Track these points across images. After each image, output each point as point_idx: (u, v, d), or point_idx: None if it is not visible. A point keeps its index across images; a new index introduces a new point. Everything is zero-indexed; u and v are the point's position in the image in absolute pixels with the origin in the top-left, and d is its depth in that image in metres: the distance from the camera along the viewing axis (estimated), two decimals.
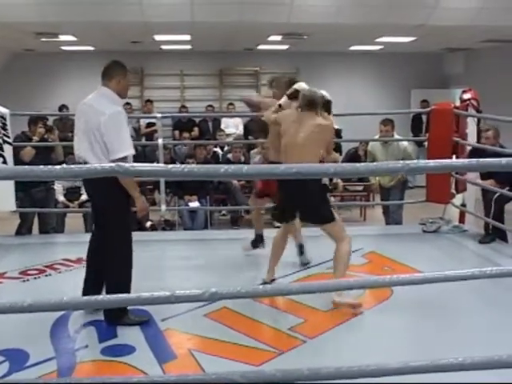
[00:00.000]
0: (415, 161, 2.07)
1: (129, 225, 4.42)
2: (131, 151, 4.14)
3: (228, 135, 11.85)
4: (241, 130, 12.58)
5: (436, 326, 4.22)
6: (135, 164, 2.00)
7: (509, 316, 4.40)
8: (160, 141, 6.87)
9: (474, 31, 9.99)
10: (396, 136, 7.66)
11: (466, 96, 7.24)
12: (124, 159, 4.01)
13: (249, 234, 6.26)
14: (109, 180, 3.67)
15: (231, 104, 13.23)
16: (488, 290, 4.65)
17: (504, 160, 2.10)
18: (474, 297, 4.68)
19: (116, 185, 4.05)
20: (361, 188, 10.94)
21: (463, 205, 7.35)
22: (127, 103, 12.29)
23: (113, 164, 2.04)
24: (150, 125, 11.45)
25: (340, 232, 4.76)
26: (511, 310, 4.52)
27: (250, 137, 11.62)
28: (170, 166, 2.04)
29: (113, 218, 4.23)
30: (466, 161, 2.32)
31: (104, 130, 4.04)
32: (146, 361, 3.69)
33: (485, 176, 6.69)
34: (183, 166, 2.01)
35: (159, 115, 7.33)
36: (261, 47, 12.87)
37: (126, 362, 3.67)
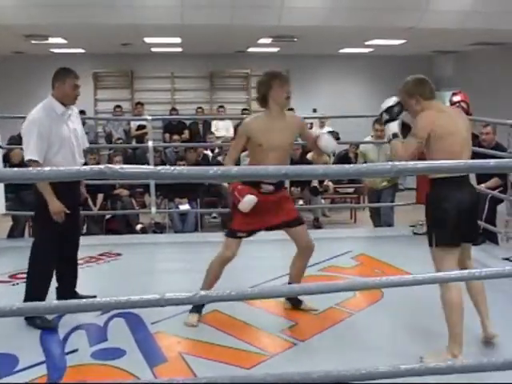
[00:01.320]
0: (404, 162, 2.07)
1: (49, 236, 4.35)
2: (33, 157, 4.17)
3: (218, 138, 11.84)
4: (231, 133, 12.57)
5: (427, 327, 4.22)
6: (124, 166, 1.99)
7: (497, 317, 4.42)
8: (150, 143, 6.86)
9: (463, 34, 10.04)
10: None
11: (456, 98, 7.27)
12: (31, 162, 4.16)
13: None
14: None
15: (221, 106, 13.24)
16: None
17: (492, 161, 2.10)
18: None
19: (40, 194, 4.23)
20: (351, 190, 10.95)
21: None
22: (117, 106, 12.31)
23: (102, 166, 2.03)
24: (140, 127, 11.43)
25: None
26: (499, 310, 4.53)
27: None
28: (159, 167, 2.03)
29: (36, 227, 4.36)
30: (454, 162, 2.32)
31: (22, 132, 4.37)
32: (137, 364, 3.67)
33: (482, 177, 6.73)
34: (172, 167, 2.00)
35: (149, 118, 7.32)
36: (251, 50, 12.88)
37: (116, 365, 3.66)
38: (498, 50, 11.80)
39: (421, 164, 2.06)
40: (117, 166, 2.01)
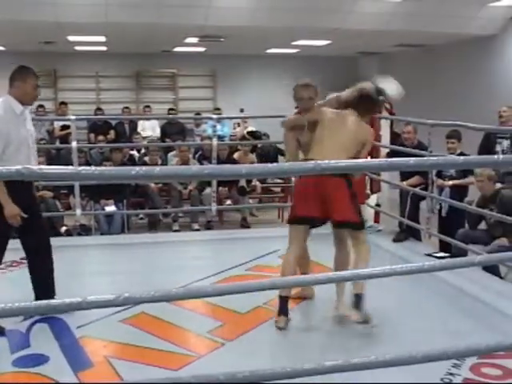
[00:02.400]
0: (326, 161, 2.10)
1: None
2: None
3: (144, 138, 11.71)
4: (158, 133, 12.46)
5: (351, 324, 4.29)
6: (42, 167, 1.93)
7: (416, 311, 4.56)
8: (74, 144, 6.72)
9: (386, 35, 10.28)
10: None
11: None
12: None
13: (165, 238, 6.20)
14: None
15: (148, 106, 13.10)
16: (399, 286, 4.77)
17: (412, 160, 2.16)
18: (384, 294, 4.79)
19: None
20: (279, 189, 11.04)
21: (378, 205, 7.54)
22: (40, 105, 11.96)
23: (19, 167, 1.97)
24: (64, 127, 11.15)
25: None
26: (419, 305, 4.67)
27: (167, 139, 11.54)
28: (80, 168, 1.98)
29: None
30: (375, 161, 2.37)
31: None
32: (60, 370, 3.58)
33: (405, 175, 6.93)
34: (93, 168, 1.96)
35: (73, 118, 7.16)
36: (178, 49, 12.80)
37: (38, 372, 3.55)
38: (420, 51, 12.15)
39: (343, 163, 2.10)
40: (35, 167, 1.95)
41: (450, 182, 6.91)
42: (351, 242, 4.48)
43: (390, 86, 4.62)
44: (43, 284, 4.43)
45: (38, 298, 4.24)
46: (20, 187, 3.93)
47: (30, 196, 4.36)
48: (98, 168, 1.97)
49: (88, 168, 1.97)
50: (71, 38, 10.81)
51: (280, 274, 4.34)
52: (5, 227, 4.14)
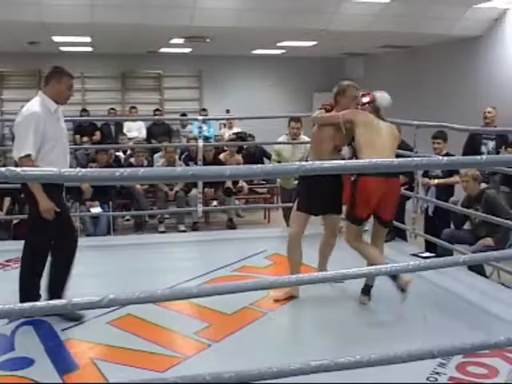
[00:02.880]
0: (310, 162, 2.10)
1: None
2: (30, 151, 4.12)
3: (130, 139, 11.67)
4: (144, 134, 12.43)
5: (338, 323, 4.31)
6: (25, 168, 1.92)
7: (402, 311, 4.57)
8: None
9: (372, 36, 10.32)
10: (302, 136, 7.73)
11: (365, 99, 7.39)
12: (26, 158, 4.11)
13: (151, 240, 6.18)
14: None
15: (134, 107, 13.06)
16: (385, 286, 4.79)
17: (396, 160, 2.17)
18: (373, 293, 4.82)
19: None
20: (265, 190, 11.05)
21: None
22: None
23: (3, 169, 1.95)
24: None
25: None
26: (405, 305, 4.68)
27: (153, 140, 11.51)
28: (63, 170, 1.97)
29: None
30: (359, 161, 2.37)
31: (15, 129, 4.31)
32: (46, 373, 3.55)
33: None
34: (77, 170, 1.94)
35: None
36: (163, 50, 12.77)
37: (23, 375, 3.52)
38: (405, 52, 12.21)
39: (327, 164, 2.10)
40: (18, 169, 1.94)
41: (436, 181, 6.95)
42: (375, 237, 4.86)
43: (383, 95, 4.94)
44: (60, 284, 4.46)
45: (51, 298, 4.26)
46: (52, 186, 4.09)
47: (60, 196, 4.47)
48: (82, 170, 1.96)
49: (71, 170, 1.96)
50: (56, 39, 10.75)
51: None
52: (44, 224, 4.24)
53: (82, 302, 2.17)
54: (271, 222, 10.23)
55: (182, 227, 9.11)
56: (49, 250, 4.42)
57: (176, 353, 3.87)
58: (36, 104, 4.26)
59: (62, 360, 3.76)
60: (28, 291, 4.28)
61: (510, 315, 4.41)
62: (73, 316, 4.24)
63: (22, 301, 4.07)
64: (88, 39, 10.94)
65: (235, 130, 12.49)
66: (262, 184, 10.94)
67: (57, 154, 4.27)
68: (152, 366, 3.66)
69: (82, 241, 7.61)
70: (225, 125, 13.11)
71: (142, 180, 2.59)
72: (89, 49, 12.47)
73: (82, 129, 11.71)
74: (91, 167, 8.57)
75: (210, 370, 2.43)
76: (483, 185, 6.46)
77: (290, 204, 7.72)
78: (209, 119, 12.15)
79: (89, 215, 8.48)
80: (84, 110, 12.73)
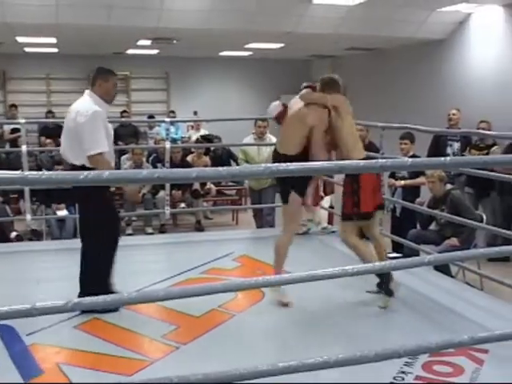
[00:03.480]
0: (277, 164, 2.11)
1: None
2: (104, 149, 4.33)
3: None
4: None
5: (308, 324, 4.32)
6: None
7: (368, 311, 4.62)
8: (24, 147, 6.59)
9: (338, 39, 10.40)
10: (268, 135, 7.76)
11: None
12: (99, 156, 4.30)
13: (121, 242, 6.10)
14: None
15: None
16: (351, 286, 4.83)
17: (361, 162, 2.18)
18: (337, 294, 4.84)
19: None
20: (233, 192, 11.05)
21: (331, 207, 7.61)
22: None
23: None
24: (14, 131, 10.93)
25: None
26: (372, 305, 4.73)
27: (119, 142, 11.41)
28: (27, 172, 1.95)
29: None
30: (325, 163, 2.39)
31: (80, 129, 4.37)
32: (10, 378, 3.50)
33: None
34: (40, 172, 1.92)
35: (23, 121, 7.02)
36: (130, 51, 12.69)
37: None
38: (371, 55, 12.32)
39: (292, 166, 2.11)
40: None
41: (402, 182, 7.02)
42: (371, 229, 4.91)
43: None
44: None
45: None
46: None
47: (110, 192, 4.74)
48: (46, 172, 1.94)
49: (35, 172, 1.94)
50: (20, 39, 10.60)
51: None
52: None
53: (47, 306, 2.15)
54: (239, 223, 10.23)
55: (150, 230, 9.06)
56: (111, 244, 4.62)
57: (144, 356, 3.84)
58: (92, 104, 4.43)
59: (26, 365, 3.71)
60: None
61: (474, 314, 4.48)
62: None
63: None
64: (53, 40, 10.82)
65: (202, 132, 12.47)
66: (230, 186, 10.94)
67: (112, 150, 4.54)
68: (119, 369, 3.63)
69: (49, 244, 7.62)
70: (192, 127, 13.08)
71: (107, 182, 2.57)
72: (54, 50, 12.33)
73: (47, 131, 11.54)
74: (56, 170, 8.46)
75: (178, 373, 2.42)
76: (448, 186, 6.54)
77: (260, 205, 7.80)
78: (176, 121, 12.11)
79: (54, 218, 8.39)
80: (49, 112, 12.57)
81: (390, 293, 4.58)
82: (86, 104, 4.46)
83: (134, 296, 2.28)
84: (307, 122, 4.62)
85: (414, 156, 6.78)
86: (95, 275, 4.51)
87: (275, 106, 5.00)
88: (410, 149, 7.05)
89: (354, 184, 4.55)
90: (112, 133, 4.69)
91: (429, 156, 7.77)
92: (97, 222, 4.48)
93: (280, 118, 4.92)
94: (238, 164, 8.40)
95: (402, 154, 7.00)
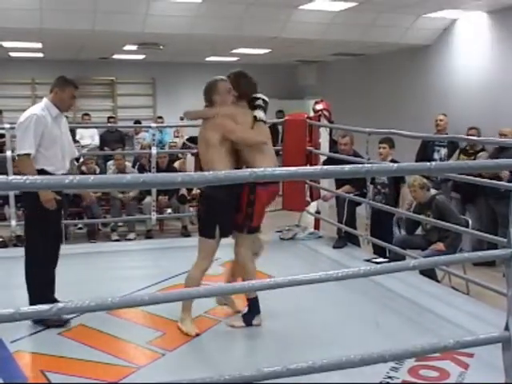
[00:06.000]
0: (262, 169, 2.10)
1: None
2: (30, 151, 4.38)
3: (83, 146, 11.51)
4: (97, 141, 12.28)
5: (290, 331, 4.32)
6: None
7: (355, 316, 4.62)
8: (8, 153, 6.55)
9: (324, 45, 10.42)
10: None
11: (319, 107, 7.52)
12: (25, 156, 4.39)
13: (105, 248, 6.11)
14: None
15: (86, 114, 12.89)
16: (337, 292, 4.83)
17: (347, 167, 2.19)
18: (323, 300, 4.84)
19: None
20: None
21: (318, 212, 7.62)
22: None
23: None
24: None
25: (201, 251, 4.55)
26: (358, 310, 4.74)
27: (106, 148, 11.38)
28: (11, 177, 1.93)
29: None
30: (311, 168, 2.39)
31: (16, 129, 4.63)
32: None
33: (340, 183, 7.01)
34: (25, 177, 1.90)
35: (8, 126, 6.99)
36: (116, 56, 12.65)
37: None
38: (357, 60, 12.37)
39: (278, 171, 2.11)
40: None
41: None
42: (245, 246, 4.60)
43: None
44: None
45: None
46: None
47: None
48: (30, 177, 1.92)
49: (19, 177, 1.92)
50: (5, 44, 10.54)
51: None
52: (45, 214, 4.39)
53: (30, 311, 2.13)
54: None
55: (132, 235, 9.03)
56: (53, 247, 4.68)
57: (129, 363, 3.82)
58: (38, 108, 4.57)
59: (10, 372, 3.68)
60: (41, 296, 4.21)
61: (459, 319, 4.50)
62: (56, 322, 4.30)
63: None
64: (39, 45, 10.76)
65: (186, 137, 12.42)
66: None
67: (54, 153, 4.52)
68: (105, 376, 3.61)
69: None
70: (178, 131, 13.04)
71: (92, 187, 2.56)
72: (40, 55, 12.26)
73: None
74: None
75: (163, 380, 2.41)
76: (433, 191, 6.56)
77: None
78: (163, 127, 12.08)
79: None
80: None
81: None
82: (34, 108, 4.64)
83: (118, 301, 2.27)
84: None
85: (392, 161, 6.75)
86: (29, 284, 4.60)
87: None
88: (388, 153, 7.01)
89: (250, 195, 4.27)
90: (63, 138, 4.69)
91: (417, 161, 7.79)
92: (31, 230, 4.62)
93: None
94: None
95: (380, 158, 6.97)
